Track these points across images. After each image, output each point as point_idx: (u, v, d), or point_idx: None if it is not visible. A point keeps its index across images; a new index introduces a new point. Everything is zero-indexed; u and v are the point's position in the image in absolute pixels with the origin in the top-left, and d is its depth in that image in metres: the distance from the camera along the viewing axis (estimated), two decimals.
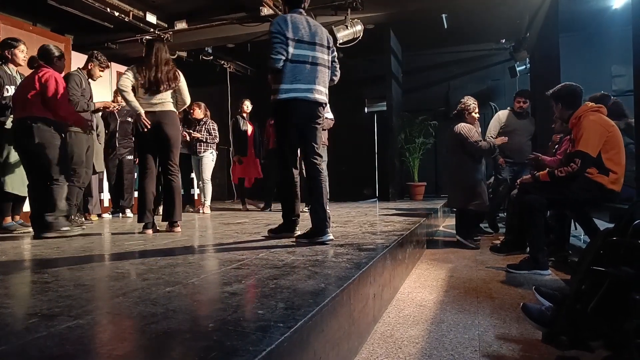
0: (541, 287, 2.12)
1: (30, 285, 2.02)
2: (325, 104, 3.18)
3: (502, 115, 5.48)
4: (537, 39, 6.75)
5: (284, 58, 2.95)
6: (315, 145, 3.15)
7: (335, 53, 3.30)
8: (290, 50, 2.96)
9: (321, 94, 3.10)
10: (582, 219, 3.81)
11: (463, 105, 4.61)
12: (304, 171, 3.36)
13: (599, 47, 8.57)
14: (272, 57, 2.95)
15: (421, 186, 8.81)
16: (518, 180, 3.90)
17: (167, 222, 3.97)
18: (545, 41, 6.37)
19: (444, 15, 7.39)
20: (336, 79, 3.32)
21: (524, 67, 8.44)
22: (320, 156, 3.20)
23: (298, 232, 3.34)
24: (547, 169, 3.62)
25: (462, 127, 4.49)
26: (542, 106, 5.77)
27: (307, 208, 5.59)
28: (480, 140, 4.50)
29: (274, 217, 5.15)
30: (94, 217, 5.62)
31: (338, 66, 3.31)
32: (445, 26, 7.70)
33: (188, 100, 4.09)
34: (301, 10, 3.12)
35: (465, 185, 4.55)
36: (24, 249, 3.23)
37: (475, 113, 4.60)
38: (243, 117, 6.87)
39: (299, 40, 2.98)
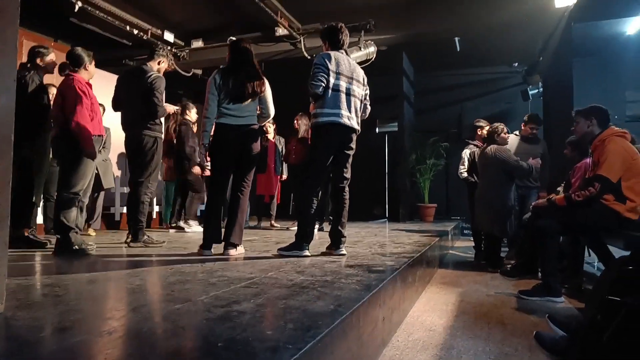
0: (554, 315, 2.09)
1: (41, 298, 2.03)
2: (359, 131, 3.44)
3: (509, 140, 5.43)
4: (551, 63, 6.76)
5: (323, 85, 3.25)
6: (345, 169, 3.44)
7: (368, 91, 3.56)
8: (332, 80, 3.26)
9: (355, 122, 3.40)
10: (596, 245, 3.74)
11: (491, 129, 4.64)
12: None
13: (612, 73, 8.56)
14: (313, 84, 3.25)
15: (432, 208, 8.77)
16: (532, 204, 3.85)
17: (223, 244, 3.45)
18: (558, 65, 6.38)
19: (456, 39, 7.46)
20: (365, 115, 3.59)
21: (536, 90, 8.44)
22: (347, 179, 3.47)
23: (307, 252, 3.33)
24: (564, 193, 3.57)
25: (497, 149, 4.48)
26: (556, 129, 5.74)
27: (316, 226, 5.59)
28: (519, 160, 4.46)
29: (284, 235, 5.15)
30: (92, 232, 5.43)
31: (369, 103, 3.59)
32: (458, 49, 7.76)
33: (272, 111, 3.61)
34: (342, 50, 3.47)
35: (495, 208, 4.47)
36: (36, 262, 3.26)
37: (505, 133, 4.61)
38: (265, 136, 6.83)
39: (340, 74, 3.31)
